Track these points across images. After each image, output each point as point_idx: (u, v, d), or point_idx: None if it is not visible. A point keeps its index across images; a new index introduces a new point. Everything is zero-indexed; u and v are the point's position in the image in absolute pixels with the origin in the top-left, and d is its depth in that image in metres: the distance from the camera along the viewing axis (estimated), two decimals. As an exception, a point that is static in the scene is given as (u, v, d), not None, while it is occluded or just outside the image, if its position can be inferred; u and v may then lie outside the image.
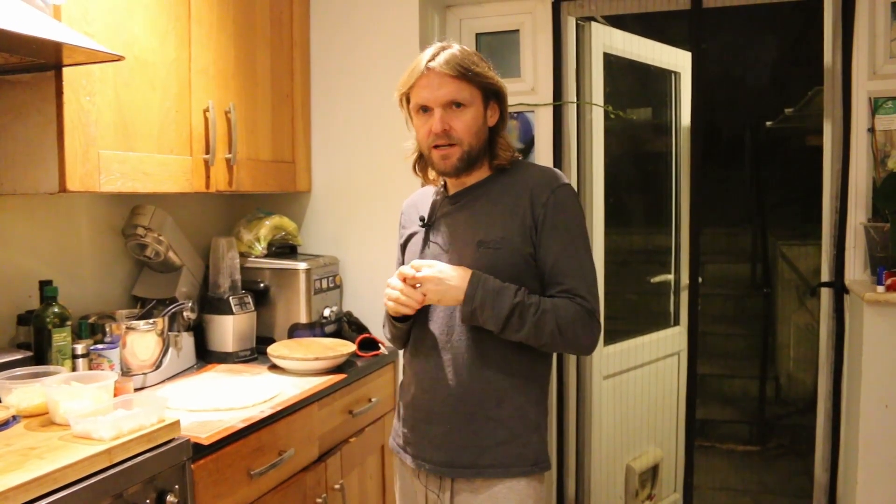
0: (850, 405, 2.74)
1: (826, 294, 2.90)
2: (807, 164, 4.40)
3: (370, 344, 2.69)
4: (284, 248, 2.94)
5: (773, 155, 6.98)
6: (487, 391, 1.77)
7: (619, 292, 3.66)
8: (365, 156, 3.00)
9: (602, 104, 3.24)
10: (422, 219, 1.91)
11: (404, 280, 1.78)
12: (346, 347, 2.57)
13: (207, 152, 2.39)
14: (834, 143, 2.83)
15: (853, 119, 2.74)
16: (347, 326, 2.90)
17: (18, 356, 1.98)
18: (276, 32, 2.80)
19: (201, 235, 2.84)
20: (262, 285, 2.77)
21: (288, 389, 2.26)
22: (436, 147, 1.78)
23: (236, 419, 1.97)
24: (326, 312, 2.82)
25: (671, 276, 3.76)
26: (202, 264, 2.73)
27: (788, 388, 5.74)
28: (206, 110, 2.39)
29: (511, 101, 3.00)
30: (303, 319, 2.75)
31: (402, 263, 1.98)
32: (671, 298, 3.76)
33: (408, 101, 1.82)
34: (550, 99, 3.08)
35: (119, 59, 1.79)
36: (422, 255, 1.87)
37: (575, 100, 3.14)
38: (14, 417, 1.76)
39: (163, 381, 2.33)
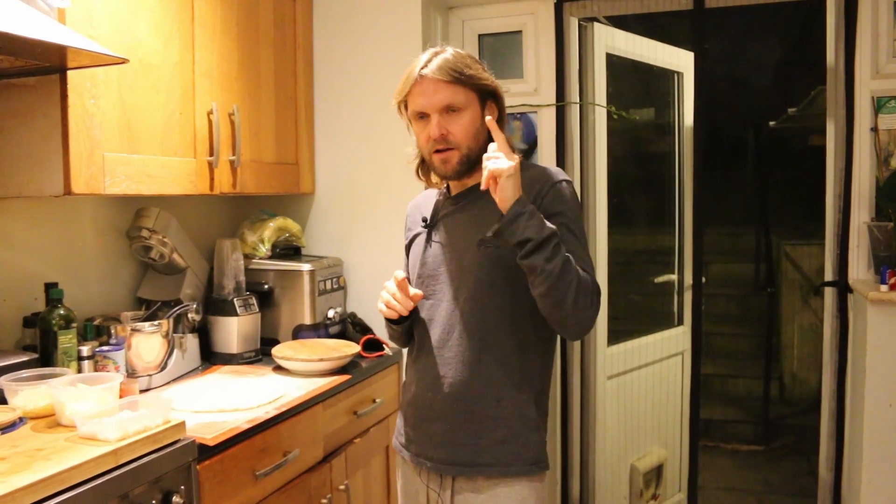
0: (854, 404, 2.74)
1: (830, 293, 2.91)
2: (810, 164, 4.40)
3: (374, 345, 2.70)
4: (288, 250, 2.95)
5: (777, 155, 6.98)
6: (487, 390, 1.77)
7: (622, 292, 3.66)
8: (368, 157, 3.01)
9: (605, 105, 3.24)
10: (424, 219, 1.93)
11: (398, 285, 1.79)
12: (351, 348, 2.57)
13: (211, 154, 2.40)
14: (837, 142, 2.83)
15: (856, 118, 2.74)
16: (351, 327, 2.91)
17: (24, 358, 1.98)
18: (279, 35, 2.81)
19: (205, 237, 2.85)
20: (266, 287, 2.78)
21: (292, 390, 2.27)
22: (436, 152, 1.79)
23: (241, 420, 1.97)
24: (331, 314, 2.83)
25: (675, 276, 3.76)
26: (206, 266, 2.73)
27: (792, 387, 5.74)
28: (209, 112, 2.40)
29: (514, 101, 3.06)
30: (307, 321, 2.75)
31: (408, 266, 2.00)
32: (675, 298, 3.77)
33: (406, 108, 1.83)
34: (553, 100, 3.08)
35: (123, 61, 1.80)
36: (424, 255, 1.89)
37: (578, 100, 3.15)
38: (20, 419, 1.77)
39: (168, 383, 2.34)
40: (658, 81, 3.72)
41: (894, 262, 2.58)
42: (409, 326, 1.91)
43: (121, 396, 1.84)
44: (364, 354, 2.64)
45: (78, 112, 1.90)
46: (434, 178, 1.93)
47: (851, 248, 2.77)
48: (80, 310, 2.24)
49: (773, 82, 7.21)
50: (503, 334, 1.78)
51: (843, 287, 2.81)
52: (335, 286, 2.89)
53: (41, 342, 2.06)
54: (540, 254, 1.59)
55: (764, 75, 7.23)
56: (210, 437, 1.84)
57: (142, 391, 2.17)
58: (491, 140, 1.83)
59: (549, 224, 1.62)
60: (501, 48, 3.19)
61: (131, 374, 2.21)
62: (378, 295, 1.86)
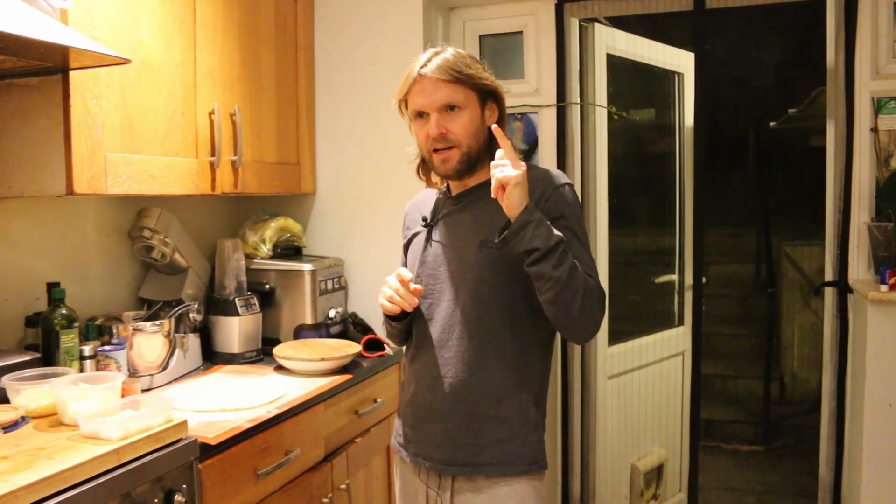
0: (854, 404, 2.74)
1: (830, 293, 2.91)
2: (810, 165, 4.41)
3: (375, 345, 2.70)
4: (289, 250, 2.96)
5: (777, 155, 6.99)
6: (487, 389, 1.77)
7: (623, 293, 3.67)
8: (369, 157, 3.02)
9: (605, 105, 3.25)
10: (424, 219, 1.93)
11: (402, 282, 1.79)
12: (352, 348, 2.58)
13: (213, 154, 2.41)
14: (837, 143, 2.84)
15: (856, 119, 2.74)
16: (352, 327, 2.91)
17: (27, 357, 1.99)
18: (280, 35, 2.81)
19: (207, 237, 2.85)
20: (267, 287, 2.78)
21: (294, 390, 2.27)
22: (435, 151, 1.79)
23: (243, 419, 1.98)
24: (332, 313, 2.83)
25: (675, 277, 3.77)
26: (208, 266, 2.74)
27: (793, 388, 5.74)
28: (211, 113, 2.40)
29: (515, 102, 3.06)
30: (308, 320, 2.76)
31: (405, 264, 2.00)
32: (675, 299, 3.77)
33: (406, 107, 1.84)
34: (554, 100, 3.09)
35: (125, 62, 1.81)
36: (424, 255, 1.89)
37: (578, 101, 3.15)
38: (23, 418, 1.77)
39: (169, 382, 2.34)
40: (658, 82, 3.73)
41: (894, 263, 2.58)
42: (408, 324, 1.92)
43: (122, 396, 1.85)
44: (365, 354, 2.65)
45: (80, 112, 1.91)
46: (434, 178, 1.93)
47: (851, 248, 2.78)
48: (82, 309, 2.25)
49: (774, 83, 7.22)
50: (504, 334, 1.78)
51: (843, 287, 2.82)
52: (336, 286, 2.90)
53: (43, 342, 2.07)
54: (547, 261, 1.60)
55: (764, 76, 7.23)
56: (212, 436, 1.84)
57: (143, 391, 2.17)
58: (492, 140, 1.84)
59: (556, 231, 1.63)
60: (502, 49, 3.19)
61: (133, 373, 2.22)
62: (379, 293, 1.86)
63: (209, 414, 2.02)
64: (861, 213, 2.75)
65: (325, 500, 2.29)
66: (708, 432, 5.24)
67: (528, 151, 3.12)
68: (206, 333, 2.64)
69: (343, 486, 2.39)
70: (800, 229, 6.15)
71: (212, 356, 2.64)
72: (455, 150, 1.78)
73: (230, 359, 2.62)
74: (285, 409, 2.11)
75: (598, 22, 3.22)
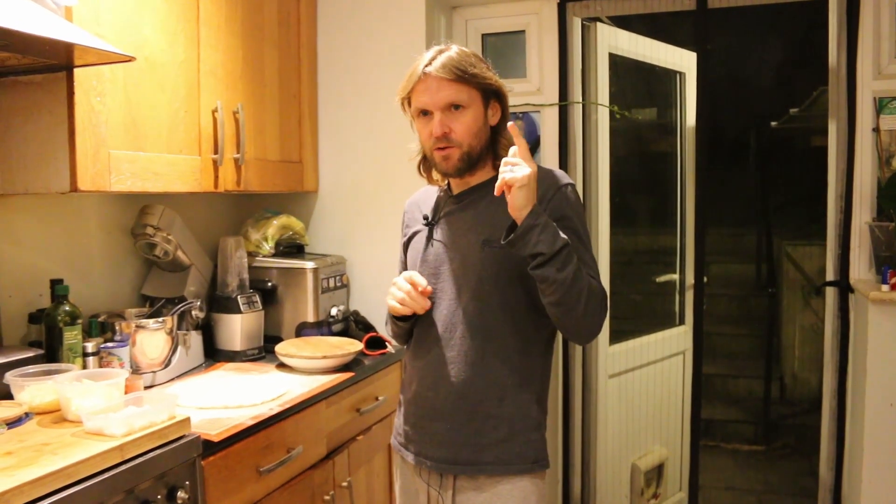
0: (854, 404, 2.75)
1: (831, 293, 2.91)
2: (811, 165, 4.41)
3: (377, 342, 2.71)
4: (292, 248, 2.96)
5: (778, 155, 6.98)
6: (489, 388, 1.77)
7: (624, 292, 3.67)
8: (371, 156, 3.02)
9: (607, 104, 3.25)
10: (425, 217, 1.93)
11: (413, 284, 1.79)
12: (354, 346, 2.58)
13: (216, 152, 2.41)
14: (839, 142, 2.84)
15: (858, 119, 2.75)
16: (354, 325, 2.92)
17: (30, 354, 2.00)
18: (283, 33, 2.82)
19: (209, 235, 2.86)
20: (269, 284, 2.79)
21: (296, 387, 2.28)
22: (437, 149, 1.79)
23: (245, 417, 1.98)
24: (334, 311, 2.84)
25: (676, 276, 3.77)
26: (210, 263, 2.74)
27: (793, 388, 5.74)
28: (214, 111, 2.41)
29: (517, 101, 3.07)
30: (310, 318, 2.77)
31: (405, 262, 2.00)
32: (676, 298, 3.77)
33: (409, 105, 1.84)
34: (556, 99, 3.09)
35: (130, 59, 1.81)
36: (425, 254, 1.88)
37: (580, 100, 3.16)
38: (27, 414, 1.78)
39: (172, 380, 2.35)
40: (660, 81, 3.73)
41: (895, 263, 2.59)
42: (414, 324, 1.92)
43: (125, 392, 1.85)
44: (367, 352, 2.65)
45: (84, 109, 1.91)
46: (435, 176, 1.93)
47: (853, 248, 2.78)
48: (85, 306, 2.25)
49: (775, 83, 7.21)
50: (506, 333, 1.78)
51: (844, 287, 2.82)
52: (338, 284, 2.91)
53: (47, 338, 2.07)
54: (552, 265, 1.60)
55: (765, 76, 7.23)
56: (214, 433, 1.84)
57: (146, 388, 2.17)
58: (495, 139, 1.84)
59: (561, 234, 1.62)
60: (505, 48, 3.20)
61: (135, 370, 2.22)
62: (386, 292, 1.85)
63: (212, 411, 2.02)
64: (863, 213, 2.76)
65: (327, 497, 2.30)
66: (708, 432, 5.25)
67: (529, 150, 3.12)
68: (208, 331, 2.64)
69: (345, 484, 2.39)
70: (801, 229, 6.15)
71: (214, 353, 2.65)
72: (456, 148, 1.78)
73: (232, 356, 2.62)
74: (287, 406, 2.11)
75: (601, 21, 3.22)
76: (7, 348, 2.03)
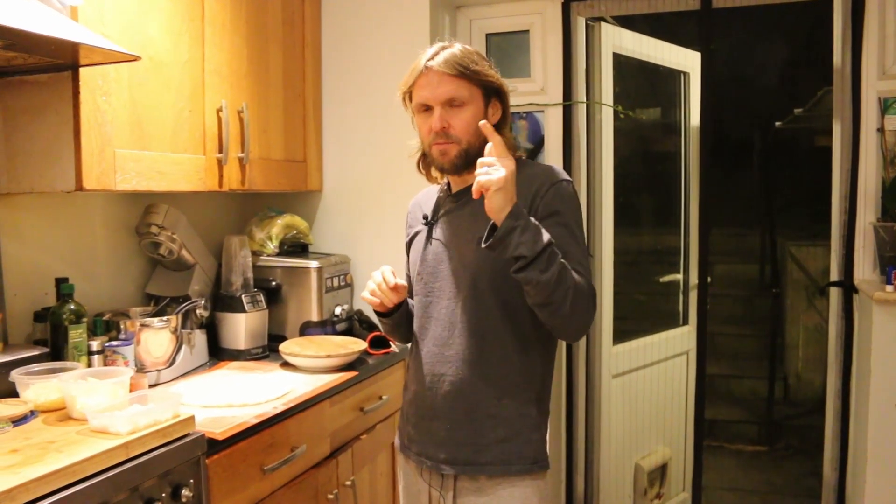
0: (858, 404, 2.74)
1: (835, 294, 2.91)
2: (815, 165, 4.41)
3: (381, 342, 2.71)
4: (296, 247, 2.97)
5: (782, 155, 6.98)
6: (488, 388, 1.77)
7: (628, 292, 3.67)
8: (375, 155, 3.02)
9: (612, 104, 3.25)
10: (425, 217, 1.93)
11: (385, 279, 1.82)
12: (358, 345, 2.59)
13: (220, 152, 2.42)
14: (843, 143, 2.84)
15: (862, 119, 2.74)
16: (358, 324, 2.92)
17: (35, 352, 2.01)
18: (287, 33, 2.82)
19: (214, 234, 2.86)
20: (273, 283, 2.79)
21: (300, 386, 2.28)
22: (436, 143, 1.79)
23: (249, 415, 1.99)
24: (338, 311, 2.85)
25: (680, 276, 3.77)
26: (215, 262, 2.75)
27: (797, 388, 5.74)
28: (219, 110, 2.41)
29: (521, 100, 3.07)
30: (314, 317, 2.77)
31: (409, 263, 2.01)
32: (680, 298, 3.77)
33: (410, 100, 1.84)
34: (560, 99, 3.09)
35: (135, 59, 1.82)
36: (424, 253, 1.89)
37: (584, 100, 3.16)
38: (32, 412, 1.79)
39: (176, 378, 2.35)
40: (664, 81, 3.73)
41: (900, 263, 2.59)
42: (399, 320, 1.93)
43: (130, 391, 1.86)
44: (371, 351, 2.66)
45: (90, 109, 1.92)
46: (434, 173, 1.93)
47: (857, 248, 2.78)
48: (90, 305, 2.26)
49: (780, 83, 7.21)
50: (504, 332, 1.77)
51: (848, 287, 2.82)
52: (342, 283, 2.91)
53: (52, 336, 2.08)
54: (534, 268, 1.57)
55: (770, 76, 7.22)
56: (219, 431, 1.85)
57: (150, 386, 2.18)
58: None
59: (544, 234, 1.59)
60: (509, 47, 3.20)
61: (140, 369, 2.23)
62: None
63: (216, 409, 2.03)
64: (867, 214, 2.75)
65: (331, 496, 2.30)
66: (711, 432, 5.24)
67: (533, 150, 3.13)
68: (212, 330, 2.65)
69: (348, 483, 2.40)
70: (804, 229, 6.15)
71: (218, 352, 2.65)
72: (454, 144, 1.77)
73: (236, 355, 2.63)
74: (291, 405, 2.11)
75: (605, 21, 3.22)
76: (12, 346, 2.04)
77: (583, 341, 3.26)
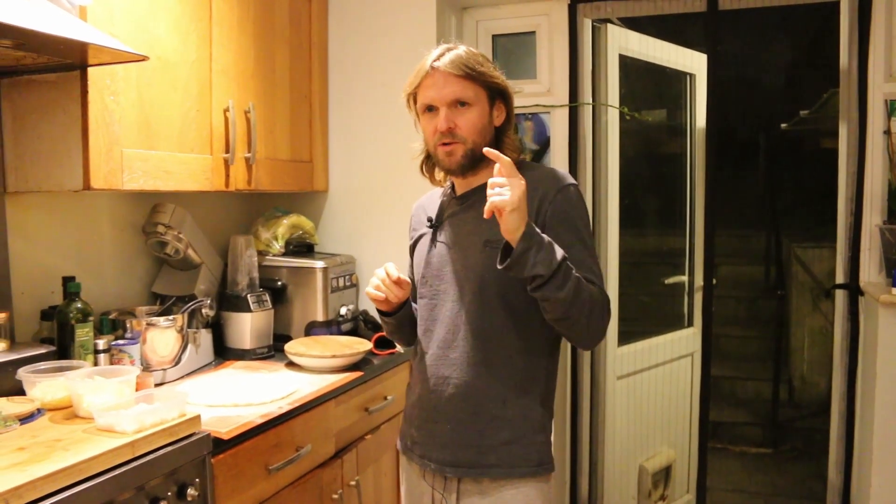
0: (864, 407, 2.74)
1: (841, 296, 2.91)
2: (821, 167, 4.39)
3: (386, 342, 2.70)
4: (302, 247, 2.97)
5: (787, 157, 6.97)
6: (492, 390, 1.77)
7: (633, 293, 3.67)
8: (381, 156, 3.03)
9: (617, 106, 3.25)
10: (429, 219, 1.93)
11: (388, 273, 1.82)
12: (363, 345, 2.59)
13: (227, 151, 2.42)
14: (849, 145, 2.84)
15: (869, 121, 2.74)
16: (363, 325, 2.92)
17: (42, 350, 2.01)
18: (294, 33, 2.83)
19: (220, 233, 2.87)
20: (279, 283, 2.80)
21: (305, 386, 2.28)
22: (441, 144, 1.79)
23: (255, 415, 1.99)
24: (343, 311, 2.85)
25: (685, 278, 3.77)
26: (221, 262, 2.76)
27: (802, 390, 5.72)
28: (226, 110, 2.42)
29: (527, 102, 3.07)
30: (320, 317, 2.78)
31: (412, 266, 2.01)
32: (685, 300, 3.77)
33: (415, 102, 1.84)
34: (566, 100, 3.09)
35: (143, 59, 1.82)
36: (429, 255, 1.89)
37: (590, 101, 3.16)
38: (39, 410, 1.79)
39: (181, 377, 2.36)
40: (670, 83, 3.73)
41: (906, 266, 2.59)
42: (402, 320, 1.93)
43: (136, 390, 1.86)
44: (376, 352, 2.66)
45: (98, 108, 1.93)
46: (438, 175, 1.93)
47: (863, 250, 2.78)
48: (96, 304, 2.26)
49: (785, 85, 7.20)
50: (509, 335, 1.77)
51: (854, 289, 2.82)
52: (347, 283, 2.91)
53: (58, 335, 2.08)
54: (550, 286, 1.57)
55: (775, 77, 7.21)
56: (224, 430, 1.85)
57: (156, 385, 2.19)
58: (498, 139, 1.84)
59: (557, 250, 1.58)
60: (515, 49, 3.20)
61: (146, 368, 2.24)
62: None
63: (221, 409, 2.03)
64: (873, 216, 2.75)
65: (335, 496, 2.30)
66: (715, 434, 5.23)
67: (538, 151, 3.13)
68: (217, 329, 2.65)
69: (353, 483, 2.40)
70: (810, 231, 6.13)
71: (223, 352, 2.66)
72: (460, 144, 1.77)
73: (241, 354, 2.63)
74: (297, 405, 2.12)
75: (611, 23, 3.22)
76: (19, 345, 2.04)
77: (587, 342, 3.25)
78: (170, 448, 1.67)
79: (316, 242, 3.05)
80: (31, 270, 2.20)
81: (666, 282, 3.79)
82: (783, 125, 6.39)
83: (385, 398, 2.61)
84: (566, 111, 3.09)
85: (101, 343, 2.14)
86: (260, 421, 1.96)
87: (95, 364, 2.10)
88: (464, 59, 1.76)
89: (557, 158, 3.10)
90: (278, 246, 2.85)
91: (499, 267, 1.58)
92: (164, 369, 2.29)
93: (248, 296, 2.64)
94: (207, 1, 2.35)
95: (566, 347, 3.14)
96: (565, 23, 3.08)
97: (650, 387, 3.55)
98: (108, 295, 2.45)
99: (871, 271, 2.77)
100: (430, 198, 2.01)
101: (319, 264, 2.78)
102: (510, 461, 1.76)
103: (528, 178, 1.72)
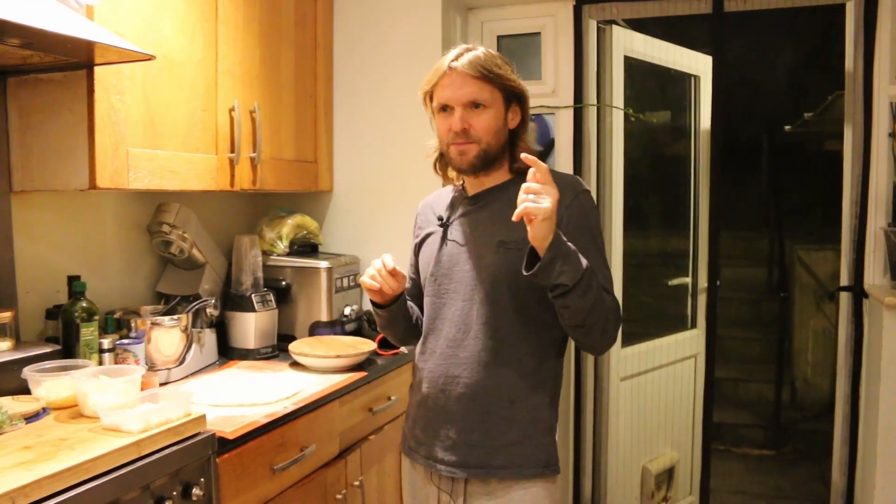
0: (868, 409, 2.74)
1: (845, 298, 2.91)
2: (824, 169, 4.39)
3: (390, 343, 2.71)
4: (306, 247, 2.97)
5: (791, 159, 6.97)
6: (501, 391, 1.77)
7: (636, 295, 3.67)
8: (386, 156, 3.03)
9: (622, 107, 3.25)
10: (440, 218, 1.93)
11: (384, 264, 1.82)
12: (367, 346, 2.59)
13: (232, 151, 2.42)
14: (854, 147, 2.84)
15: (874, 124, 2.74)
16: (367, 325, 2.92)
17: (47, 349, 2.01)
18: (300, 33, 2.83)
19: (224, 233, 2.87)
20: (283, 283, 2.80)
21: (309, 386, 2.28)
22: (455, 143, 1.79)
23: (260, 415, 1.99)
24: (347, 311, 2.85)
25: (689, 279, 3.77)
26: (225, 262, 2.76)
27: (804, 392, 5.72)
28: (231, 110, 2.42)
29: (532, 103, 3.02)
30: (324, 317, 2.78)
31: (416, 265, 2.01)
32: (688, 301, 3.77)
33: (431, 100, 1.84)
34: (571, 101, 3.09)
35: (150, 58, 1.83)
36: (439, 254, 1.88)
37: (595, 102, 3.16)
38: (44, 409, 1.79)
39: (186, 377, 2.36)
40: (675, 84, 3.73)
41: (911, 268, 2.58)
42: (396, 314, 1.93)
43: (141, 389, 1.86)
44: (380, 352, 2.66)
45: (104, 107, 1.93)
46: (451, 174, 1.93)
47: (868, 252, 2.77)
48: (101, 303, 2.26)
49: (789, 87, 7.20)
50: (519, 336, 1.78)
51: (858, 292, 2.81)
52: (352, 284, 2.91)
53: (63, 334, 2.08)
54: (574, 293, 1.59)
55: (780, 80, 7.21)
56: (229, 430, 1.85)
57: (160, 384, 2.19)
58: (512, 142, 1.84)
59: (582, 260, 1.60)
60: (520, 50, 3.20)
61: (150, 367, 2.23)
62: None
63: (226, 408, 2.03)
64: (878, 218, 2.75)
65: (339, 496, 2.30)
66: (718, 435, 5.21)
67: (542, 153, 3.13)
68: (221, 329, 2.65)
69: (356, 483, 2.40)
70: (813, 233, 6.13)
71: (227, 352, 2.65)
72: (474, 144, 1.78)
73: (246, 354, 2.63)
74: (301, 405, 2.12)
75: (616, 24, 3.22)
76: (24, 343, 2.04)
77: (591, 344, 3.25)
78: (175, 448, 1.67)
79: (320, 242, 3.05)
80: (37, 269, 2.20)
81: (670, 283, 3.79)
82: (787, 127, 6.39)
83: (389, 398, 2.61)
84: (571, 112, 3.09)
85: (106, 342, 2.14)
86: (265, 421, 1.96)
87: (100, 363, 2.10)
88: (482, 60, 1.76)
89: (562, 160, 3.11)
90: (283, 246, 2.85)
91: (525, 273, 1.58)
92: (168, 369, 2.29)
93: (253, 295, 2.64)
94: (213, 1, 2.35)
95: (570, 349, 3.13)
96: (570, 24, 3.08)
97: (653, 388, 3.55)
98: (112, 294, 2.45)
99: (875, 273, 2.77)
100: (438, 196, 2.01)
101: (324, 264, 2.78)
102: (518, 462, 1.76)
103: None
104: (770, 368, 5.84)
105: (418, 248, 1.99)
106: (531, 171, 1.57)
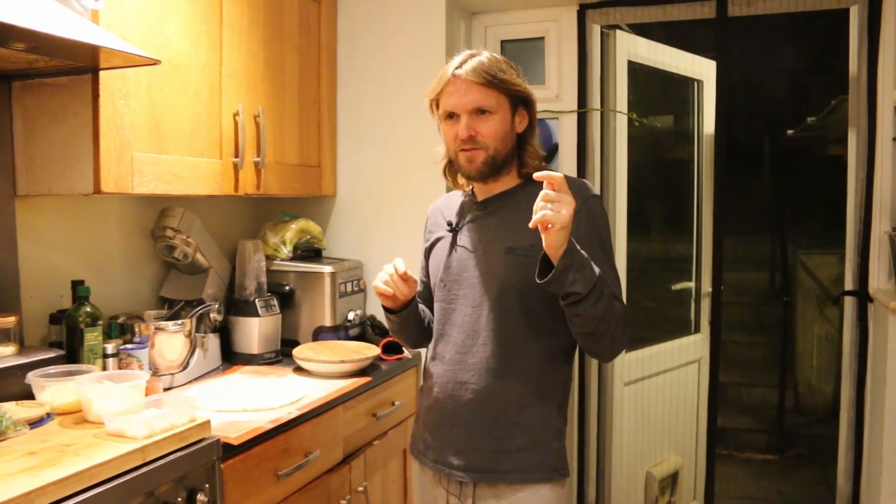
0: (873, 414, 2.73)
1: (849, 303, 2.90)
2: (827, 173, 4.39)
3: (394, 347, 2.71)
4: (309, 252, 2.97)
5: (794, 164, 6.96)
6: (510, 396, 1.77)
7: (640, 299, 3.66)
8: (389, 161, 3.02)
9: (626, 111, 3.25)
10: (449, 223, 1.92)
11: (395, 269, 1.82)
12: (371, 351, 2.58)
13: (237, 156, 2.42)
14: (858, 151, 2.83)
15: (878, 128, 2.73)
16: (371, 330, 2.92)
17: (51, 354, 2.01)
18: (304, 38, 2.83)
19: (228, 238, 2.87)
20: (287, 288, 2.79)
21: (313, 392, 2.28)
22: (462, 150, 1.79)
23: (264, 420, 1.99)
24: (351, 316, 2.84)
25: (692, 284, 3.76)
26: (229, 266, 2.75)
27: (808, 397, 5.71)
28: (235, 114, 2.42)
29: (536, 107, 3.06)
30: (327, 322, 2.77)
31: (426, 268, 2.00)
32: (692, 306, 3.76)
33: (437, 107, 1.84)
34: (575, 106, 3.09)
35: (155, 62, 1.82)
36: (448, 259, 1.88)
37: (599, 107, 3.15)
38: (48, 414, 1.79)
39: (189, 382, 2.35)
40: (678, 89, 3.73)
41: (916, 273, 2.57)
42: (408, 319, 1.92)
43: (145, 395, 1.86)
44: (384, 357, 2.65)
45: (109, 112, 1.93)
46: (460, 180, 1.93)
47: (872, 257, 2.76)
48: (105, 308, 2.26)
49: (792, 91, 7.19)
50: (529, 341, 1.77)
51: (863, 296, 2.81)
52: (355, 288, 2.91)
53: (67, 339, 2.08)
54: (586, 302, 1.58)
55: (782, 84, 7.20)
56: (234, 436, 1.85)
57: (164, 390, 2.18)
58: (521, 147, 1.83)
59: (595, 269, 1.60)
60: (524, 54, 3.19)
61: (154, 372, 2.23)
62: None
63: (230, 414, 2.03)
64: (882, 223, 2.74)
65: (343, 502, 2.30)
66: (721, 440, 5.20)
67: (545, 158, 3.11)
68: (225, 334, 2.65)
69: (360, 489, 2.39)
70: (816, 238, 6.12)
71: (231, 357, 2.65)
72: (481, 150, 1.77)
73: (249, 359, 2.63)
74: (306, 410, 2.11)
75: (620, 29, 3.22)
76: (28, 348, 2.04)
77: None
78: (180, 453, 1.67)
79: (324, 247, 3.04)
80: (41, 274, 2.19)
81: (673, 288, 3.78)
82: (790, 131, 6.39)
83: (393, 404, 2.61)
84: (575, 117, 3.09)
85: (110, 347, 2.14)
86: (269, 426, 1.96)
87: (104, 368, 2.10)
88: (486, 66, 1.76)
89: (566, 164, 3.10)
90: (286, 250, 2.85)
91: (538, 281, 1.58)
92: (172, 374, 2.28)
93: (256, 300, 2.63)
94: (218, 5, 2.35)
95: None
96: (574, 29, 3.07)
97: (657, 393, 3.54)
98: (116, 299, 2.45)
99: (880, 278, 2.76)
100: (448, 201, 2.01)
101: (327, 269, 2.78)
102: (526, 467, 1.76)
103: None
104: (773, 373, 5.84)
105: (428, 251, 2.00)
106: (544, 176, 1.54)
